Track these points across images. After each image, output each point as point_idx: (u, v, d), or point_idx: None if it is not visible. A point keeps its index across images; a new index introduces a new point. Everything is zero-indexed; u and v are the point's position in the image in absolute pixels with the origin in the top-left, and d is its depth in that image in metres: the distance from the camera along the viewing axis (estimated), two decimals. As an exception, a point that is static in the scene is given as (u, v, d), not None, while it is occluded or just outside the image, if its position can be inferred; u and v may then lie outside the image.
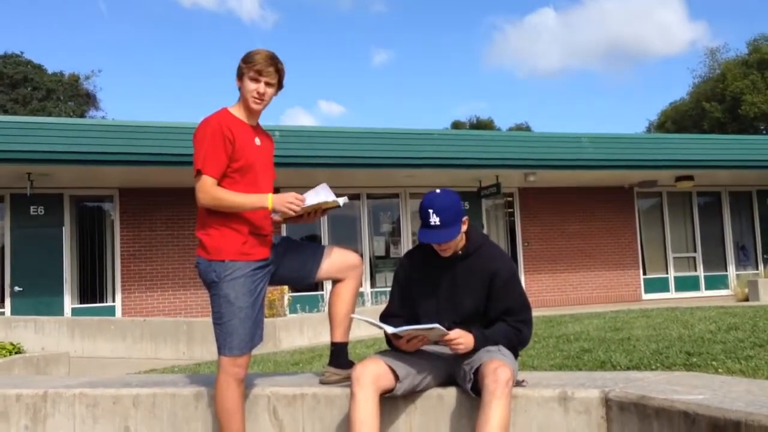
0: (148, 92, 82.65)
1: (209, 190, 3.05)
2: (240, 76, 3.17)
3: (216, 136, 3.06)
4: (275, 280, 3.31)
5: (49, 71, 38.96)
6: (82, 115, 36.93)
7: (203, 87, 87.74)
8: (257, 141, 3.22)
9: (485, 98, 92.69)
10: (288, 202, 3.08)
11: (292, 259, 3.30)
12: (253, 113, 3.23)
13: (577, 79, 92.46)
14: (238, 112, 3.21)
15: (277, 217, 3.23)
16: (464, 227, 3.03)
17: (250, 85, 3.14)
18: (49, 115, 33.19)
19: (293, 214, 3.11)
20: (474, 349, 2.92)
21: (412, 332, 2.89)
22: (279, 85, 3.22)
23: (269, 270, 3.22)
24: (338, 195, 3.27)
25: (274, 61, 3.15)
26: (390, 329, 2.91)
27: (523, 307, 3.04)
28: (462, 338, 2.89)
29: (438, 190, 3.04)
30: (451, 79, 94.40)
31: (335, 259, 3.32)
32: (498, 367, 2.72)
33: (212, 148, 3.05)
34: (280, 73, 3.19)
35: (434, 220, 2.92)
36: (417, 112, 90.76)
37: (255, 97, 3.15)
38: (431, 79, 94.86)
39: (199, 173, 3.06)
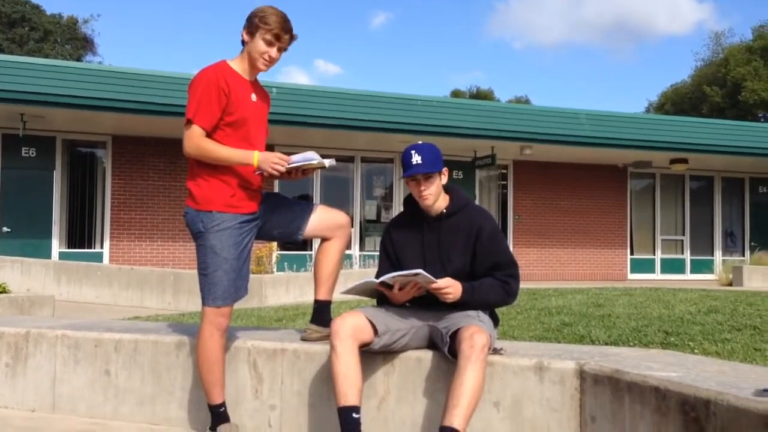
0: (146, 40, 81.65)
1: (196, 140, 3.05)
2: (251, 32, 3.11)
3: (211, 88, 3.04)
4: (262, 235, 3.32)
5: (48, 12, 38.38)
6: (78, 59, 36.45)
7: (202, 38, 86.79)
8: (253, 97, 3.20)
9: (484, 68, 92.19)
10: (273, 162, 3.07)
11: (281, 215, 3.31)
12: (254, 70, 3.21)
13: (578, 54, 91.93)
14: (237, 66, 3.18)
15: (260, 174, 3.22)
16: (444, 178, 3.15)
17: (262, 47, 3.10)
18: (46, 56, 32.72)
19: (277, 174, 3.11)
20: (462, 301, 2.96)
21: (400, 278, 2.93)
22: (286, 49, 3.21)
23: (256, 224, 3.23)
24: (330, 157, 3.27)
25: (290, 27, 3.13)
26: (376, 280, 2.94)
27: (509, 262, 3.08)
28: (451, 287, 2.93)
29: (420, 142, 3.18)
30: (450, 47, 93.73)
31: (323, 218, 3.33)
32: (475, 332, 2.75)
33: (206, 99, 3.04)
34: (292, 39, 3.17)
35: (416, 159, 3.06)
36: (414, 78, 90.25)
37: (266, 60, 3.14)
38: (430, 44, 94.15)
39: (189, 122, 3.05)
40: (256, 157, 3.07)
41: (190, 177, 3.17)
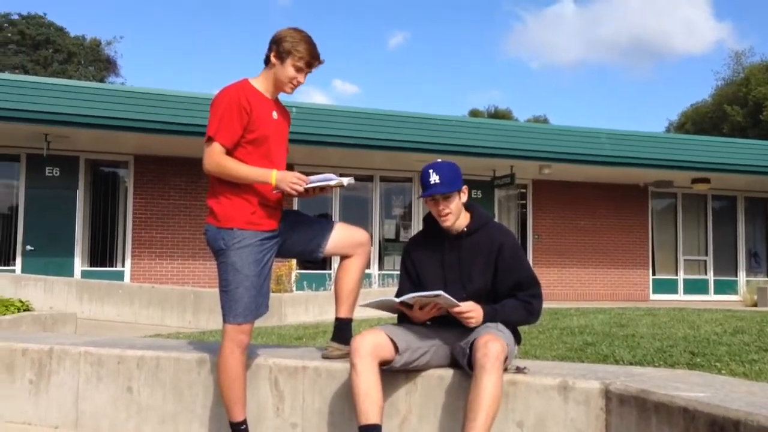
0: (167, 61, 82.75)
1: (216, 158, 3.07)
2: (281, 57, 3.14)
3: (232, 106, 3.07)
4: (283, 252, 3.33)
5: (72, 34, 39.07)
6: (101, 81, 37.03)
7: (221, 59, 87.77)
8: (274, 115, 3.23)
9: (501, 88, 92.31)
10: (291, 182, 3.08)
11: (301, 233, 3.32)
12: (278, 91, 3.25)
13: (595, 73, 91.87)
14: (260, 85, 3.21)
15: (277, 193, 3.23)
16: (464, 196, 3.11)
17: (291, 72, 3.15)
18: (70, 78, 33.25)
19: (295, 194, 3.12)
20: (483, 323, 2.93)
21: (420, 299, 2.91)
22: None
23: (277, 242, 3.23)
24: (348, 176, 3.29)
25: (318, 53, 3.18)
26: (398, 298, 2.93)
27: (532, 281, 3.05)
28: (473, 311, 2.91)
29: (439, 160, 3.15)
30: (467, 67, 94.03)
31: (343, 235, 3.33)
32: (489, 340, 2.72)
33: (227, 117, 3.07)
34: (320, 64, 3.22)
35: (434, 178, 3.03)
36: (432, 98, 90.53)
37: (294, 85, 3.19)
38: (447, 64, 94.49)
39: (209, 140, 3.08)
40: (274, 176, 3.08)
41: (211, 194, 3.19)
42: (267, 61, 3.21)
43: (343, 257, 3.36)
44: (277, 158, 3.23)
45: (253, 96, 3.14)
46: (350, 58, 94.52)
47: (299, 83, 3.19)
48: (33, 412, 3.78)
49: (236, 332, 3.11)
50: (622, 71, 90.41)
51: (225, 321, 3.13)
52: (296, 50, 3.11)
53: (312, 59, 3.15)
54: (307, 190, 3.15)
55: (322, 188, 3.20)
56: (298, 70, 3.15)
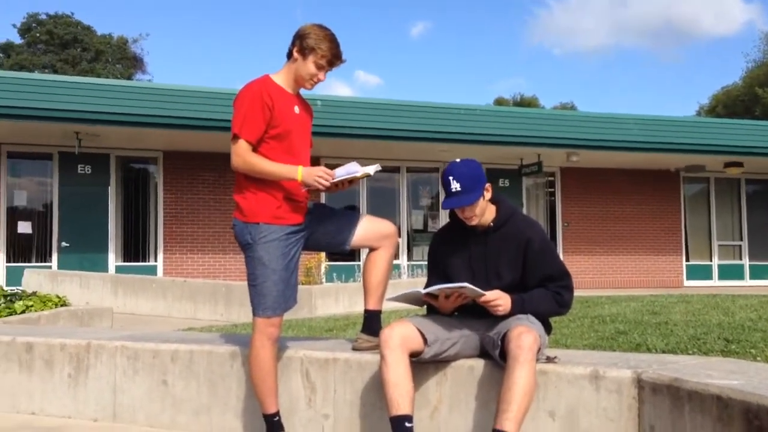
0: (194, 57, 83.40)
1: (243, 155, 3.10)
2: (303, 53, 3.15)
3: (255, 102, 3.10)
4: (310, 246, 3.36)
5: (99, 33, 39.54)
6: (129, 78, 37.45)
7: (247, 53, 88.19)
8: (296, 109, 3.25)
9: (526, 75, 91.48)
10: (317, 176, 3.11)
11: (328, 226, 3.34)
12: (299, 87, 3.28)
13: (622, 58, 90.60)
14: (281, 80, 3.24)
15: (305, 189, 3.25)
16: (488, 194, 3.05)
17: (313, 69, 3.17)
18: (98, 76, 33.71)
19: (322, 188, 3.14)
20: (511, 312, 2.92)
21: (447, 290, 2.92)
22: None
23: (303, 235, 3.26)
24: (376, 164, 3.29)
25: (341, 52, 3.20)
26: (424, 290, 2.94)
27: (562, 273, 3.03)
28: (501, 299, 2.91)
29: (458, 160, 3.08)
30: (490, 55, 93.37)
31: (370, 228, 3.35)
32: (522, 332, 2.72)
33: (251, 113, 3.10)
34: (341, 63, 3.23)
35: (455, 186, 2.97)
36: (455, 87, 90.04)
37: (314, 82, 3.22)
38: (470, 53, 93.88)
39: (235, 137, 3.12)
40: (300, 172, 3.11)
41: (237, 190, 3.23)
42: (289, 56, 3.23)
43: (371, 249, 3.38)
44: (301, 153, 3.25)
45: (275, 91, 3.17)
46: (372, 48, 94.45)
47: (319, 80, 3.21)
48: (72, 405, 3.87)
49: (266, 325, 3.15)
50: (650, 55, 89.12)
51: (255, 314, 3.18)
52: (319, 48, 3.13)
53: (334, 58, 3.17)
54: (336, 184, 3.17)
55: (350, 181, 3.21)
56: (320, 68, 3.17)
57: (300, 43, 3.16)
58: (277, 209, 3.15)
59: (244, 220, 3.18)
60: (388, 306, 3.46)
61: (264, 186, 3.15)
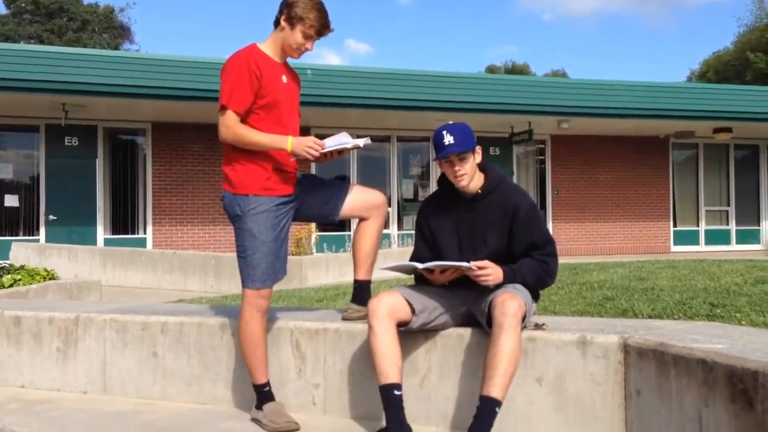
0: (181, 26, 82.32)
1: (232, 126, 3.08)
2: (291, 22, 3.11)
3: (243, 72, 3.06)
4: (299, 217, 3.35)
5: (85, 2, 38.92)
6: (116, 48, 36.99)
7: (235, 21, 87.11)
8: (284, 79, 3.21)
9: (517, 42, 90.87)
10: (307, 146, 3.08)
11: (317, 197, 3.33)
12: (286, 56, 3.23)
13: (613, 23, 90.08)
14: (268, 49, 3.20)
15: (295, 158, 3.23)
16: (478, 157, 3.08)
17: (300, 39, 3.14)
18: (84, 46, 33.26)
19: (311, 158, 3.12)
20: (502, 283, 2.94)
21: (444, 266, 2.93)
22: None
23: (293, 206, 3.25)
24: (364, 136, 3.28)
25: (329, 21, 3.16)
26: (420, 265, 2.94)
27: (547, 241, 3.05)
28: (491, 269, 2.91)
29: (450, 122, 3.13)
30: (481, 21, 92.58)
31: (359, 198, 3.34)
32: (507, 299, 2.74)
33: (238, 83, 3.06)
34: (329, 32, 3.20)
35: (449, 139, 2.99)
36: (446, 55, 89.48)
37: (301, 51, 3.18)
38: (460, 20, 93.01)
39: (223, 108, 3.09)
40: (290, 142, 3.08)
41: (226, 162, 3.21)
42: (276, 24, 3.18)
43: (361, 220, 3.37)
44: (290, 123, 3.22)
45: (263, 60, 3.13)
46: (362, 17, 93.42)
47: (307, 50, 3.18)
48: (62, 378, 3.88)
49: (255, 297, 3.15)
50: (641, 20, 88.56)
51: (244, 286, 3.17)
52: (307, 17, 3.09)
53: (322, 28, 3.14)
54: (325, 154, 3.15)
55: (339, 151, 3.19)
56: (307, 37, 3.13)
57: (288, 12, 3.12)
58: (266, 180, 3.13)
59: (233, 192, 3.16)
60: (378, 276, 3.47)
61: (253, 157, 3.13)
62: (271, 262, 3.14)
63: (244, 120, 3.11)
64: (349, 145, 3.15)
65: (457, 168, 3.01)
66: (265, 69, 3.11)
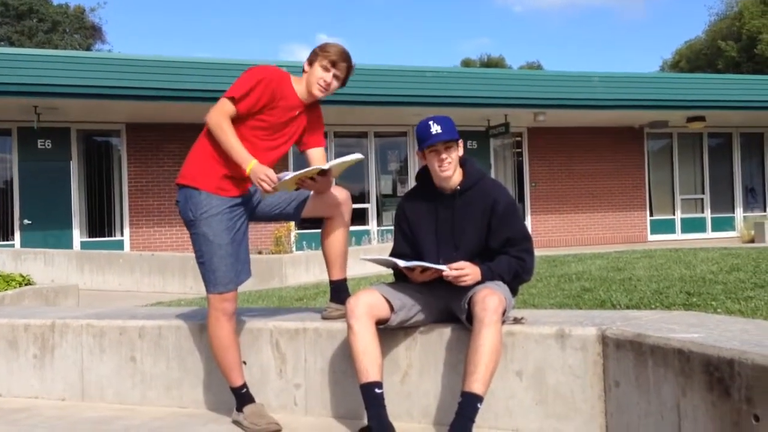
0: (154, 26, 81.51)
1: (221, 114, 3.06)
2: (311, 62, 3.19)
3: (263, 83, 3.08)
4: (261, 217, 3.34)
5: (55, 2, 38.37)
6: (88, 48, 36.51)
7: (206, 20, 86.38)
8: (296, 113, 3.21)
9: (491, 35, 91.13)
10: (259, 177, 2.98)
11: (278, 196, 3.29)
12: (310, 96, 3.23)
13: (586, 14, 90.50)
14: (298, 86, 3.22)
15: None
16: (460, 149, 3.09)
17: (319, 72, 3.16)
18: (56, 47, 32.81)
19: (261, 190, 3.04)
20: (480, 282, 2.94)
21: (425, 267, 2.93)
22: (344, 82, 3.25)
23: (249, 206, 3.23)
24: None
25: (347, 57, 3.20)
26: (402, 263, 2.94)
27: (523, 237, 3.06)
28: (468, 269, 2.90)
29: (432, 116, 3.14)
30: (454, 14, 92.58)
31: (322, 196, 3.32)
32: (487, 295, 2.75)
33: (257, 92, 3.07)
34: (350, 70, 3.22)
35: (435, 129, 2.99)
36: (421, 49, 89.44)
37: (321, 86, 3.18)
38: (433, 13, 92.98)
39: (231, 99, 3.07)
40: (250, 166, 3.01)
41: (189, 154, 3.21)
42: (303, 72, 3.25)
43: (326, 219, 3.36)
44: (273, 153, 3.19)
45: (287, 89, 3.17)
46: (334, 11, 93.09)
47: (327, 84, 3.17)
48: (39, 385, 3.83)
49: (219, 301, 3.13)
50: (612, 11, 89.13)
51: (207, 292, 3.16)
52: (324, 51, 3.15)
53: (339, 59, 3.15)
54: (283, 188, 3.08)
55: (306, 180, 3.11)
56: (325, 69, 3.15)
57: (309, 56, 3.22)
58: (220, 179, 3.11)
59: (182, 183, 3.15)
60: (359, 271, 3.47)
61: (216, 156, 3.11)
62: (231, 264, 3.11)
63: (237, 121, 3.08)
64: (310, 170, 3.09)
65: (443, 156, 3.00)
66: (282, 97, 3.13)
